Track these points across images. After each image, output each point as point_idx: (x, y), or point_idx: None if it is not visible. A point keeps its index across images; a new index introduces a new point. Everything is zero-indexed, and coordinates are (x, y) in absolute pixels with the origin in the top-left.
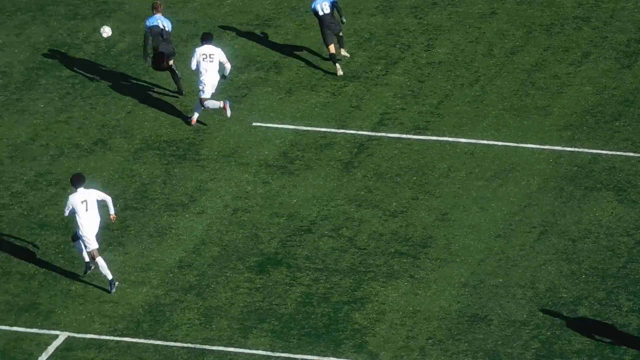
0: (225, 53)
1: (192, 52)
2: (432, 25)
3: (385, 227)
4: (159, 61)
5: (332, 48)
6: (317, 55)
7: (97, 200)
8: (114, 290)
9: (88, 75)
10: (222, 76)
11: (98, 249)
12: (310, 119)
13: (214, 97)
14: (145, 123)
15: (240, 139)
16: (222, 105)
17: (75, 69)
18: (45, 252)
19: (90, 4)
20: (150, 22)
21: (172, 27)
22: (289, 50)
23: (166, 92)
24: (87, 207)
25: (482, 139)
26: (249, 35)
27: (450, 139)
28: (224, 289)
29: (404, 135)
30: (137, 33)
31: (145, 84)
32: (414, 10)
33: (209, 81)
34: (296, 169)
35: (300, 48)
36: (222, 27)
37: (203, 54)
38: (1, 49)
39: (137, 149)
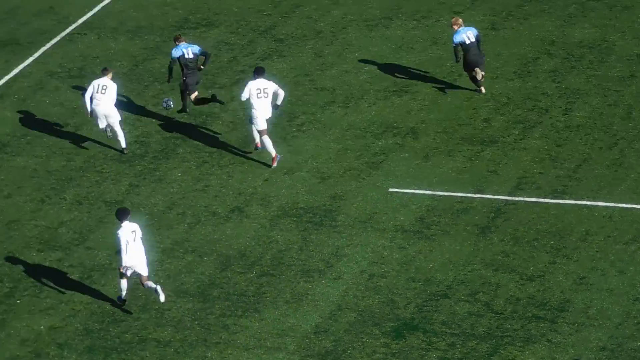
0: (277, 83)
1: (245, 85)
2: (570, 89)
3: (522, 291)
4: (184, 92)
5: (472, 72)
6: (453, 121)
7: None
8: (162, 296)
9: (225, 143)
10: (275, 106)
11: (147, 276)
12: (447, 184)
13: (268, 130)
14: (282, 190)
15: (377, 205)
16: (273, 156)
17: (212, 137)
18: (181, 320)
19: (228, 73)
20: (176, 53)
21: (200, 49)
22: (425, 115)
23: (303, 160)
24: (135, 237)
25: (620, 203)
26: (386, 102)
27: (589, 203)
28: (361, 355)
29: (541, 200)
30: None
31: (283, 151)
32: (552, 75)
33: (263, 115)
34: (433, 234)
35: (437, 113)
36: (360, 93)
37: (257, 89)
38: (139, 118)
39: (274, 216)
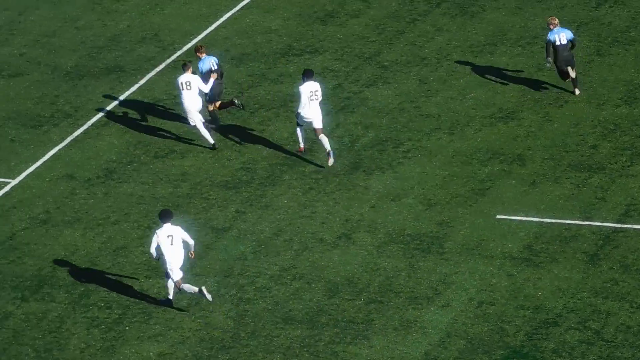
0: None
1: (299, 92)
2: None
3: (633, 319)
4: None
5: (567, 74)
6: (560, 147)
7: (182, 239)
8: (208, 295)
9: (330, 170)
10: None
11: (182, 278)
12: (555, 211)
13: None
14: (389, 217)
15: (484, 232)
16: (327, 151)
17: (317, 163)
18: (289, 347)
19: (333, 99)
20: (205, 67)
21: (217, 60)
22: (532, 142)
23: (410, 186)
24: (172, 241)
25: None
26: (492, 128)
27: None
28: None
29: None
30: (380, 127)
31: (389, 178)
32: None
33: (317, 116)
34: (541, 262)
35: (544, 140)
36: (465, 120)
37: (310, 92)
38: (245, 145)
39: (381, 243)
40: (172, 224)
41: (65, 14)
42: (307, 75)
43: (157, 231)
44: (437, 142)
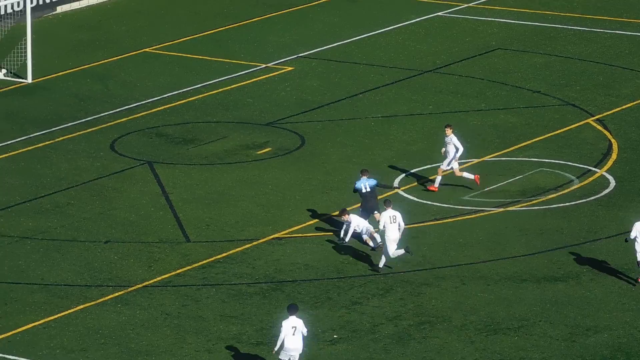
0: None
1: (381, 217)
2: None
3: None
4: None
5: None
6: None
7: (302, 331)
8: None
9: None
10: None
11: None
12: None
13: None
14: None
15: None
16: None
17: None
18: None
19: None
20: (357, 185)
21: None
22: None
23: None
24: (295, 332)
25: None
26: None
27: None
28: None
29: None
30: None
31: None
32: None
33: (395, 238)
34: None
35: None
36: None
37: (389, 216)
38: None
39: None
40: (296, 316)
41: None
42: (387, 204)
43: (283, 321)
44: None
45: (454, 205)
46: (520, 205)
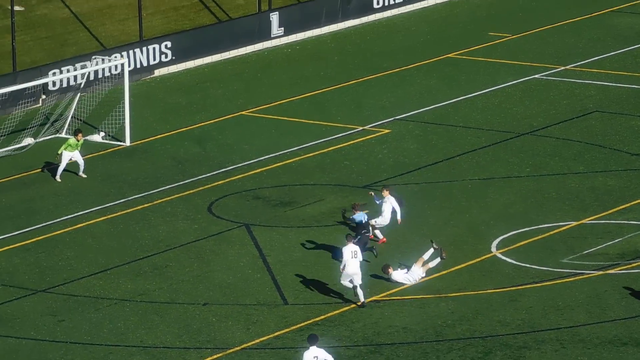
0: None
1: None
2: None
3: None
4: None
5: None
6: None
7: None
8: None
9: None
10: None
11: None
12: None
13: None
14: None
15: None
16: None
17: None
18: None
19: None
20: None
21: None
22: None
23: None
24: None
25: None
26: None
27: None
28: None
29: None
30: None
31: None
32: None
33: (353, 272)
34: None
35: None
36: None
37: (351, 251)
38: None
39: None
40: (317, 346)
41: None
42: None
43: (304, 352)
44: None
45: (552, 268)
46: (619, 268)
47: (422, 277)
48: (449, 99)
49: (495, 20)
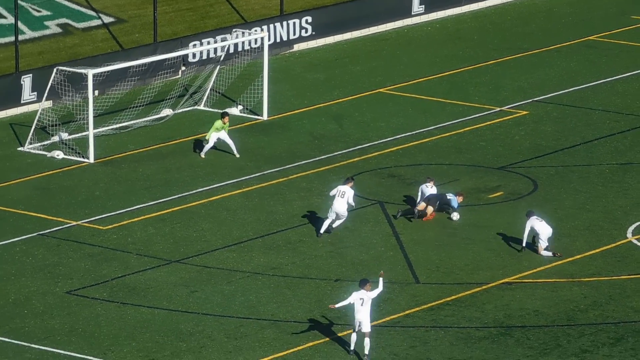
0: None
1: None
2: None
3: None
4: None
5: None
6: None
7: (371, 300)
8: None
9: None
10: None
11: (369, 332)
12: None
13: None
14: None
15: None
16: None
17: None
18: None
19: None
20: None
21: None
22: None
23: None
24: (363, 303)
25: None
26: None
27: None
28: None
29: None
30: None
31: None
32: None
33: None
34: None
35: None
36: None
37: (340, 191)
38: None
39: None
40: (366, 290)
41: None
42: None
43: (354, 292)
44: None
45: None
46: None
47: None
48: (588, 82)
49: (638, 4)
